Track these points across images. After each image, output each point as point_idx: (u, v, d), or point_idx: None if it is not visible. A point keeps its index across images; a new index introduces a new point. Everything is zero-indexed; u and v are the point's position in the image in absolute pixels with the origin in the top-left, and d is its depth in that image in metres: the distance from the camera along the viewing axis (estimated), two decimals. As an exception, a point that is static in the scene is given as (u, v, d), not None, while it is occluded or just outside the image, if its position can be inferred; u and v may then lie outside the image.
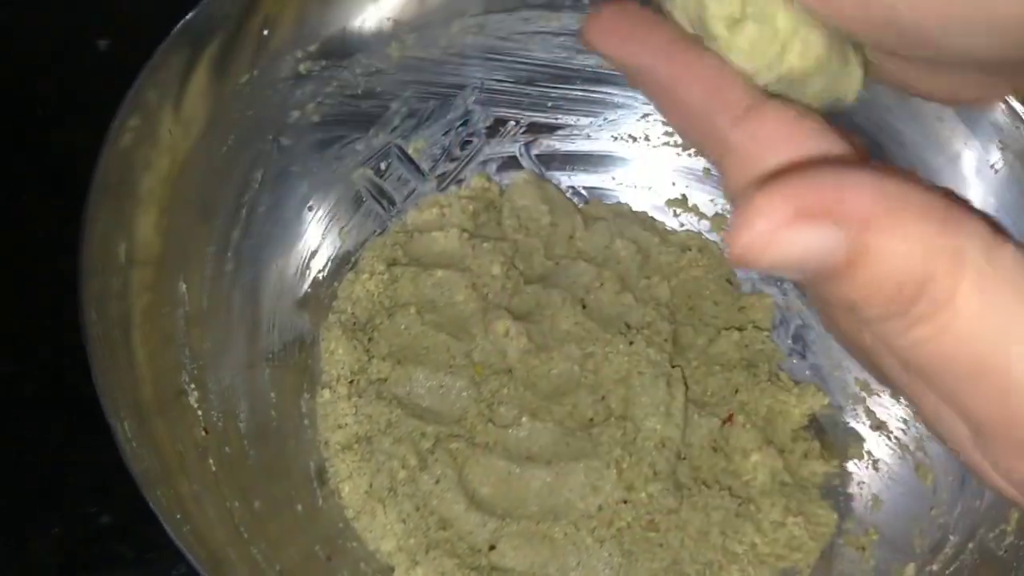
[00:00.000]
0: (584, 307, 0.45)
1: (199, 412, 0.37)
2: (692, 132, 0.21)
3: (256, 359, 0.41)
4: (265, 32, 0.40)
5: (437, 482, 0.40)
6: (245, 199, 0.42)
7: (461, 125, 0.48)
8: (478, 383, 0.43)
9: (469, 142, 0.49)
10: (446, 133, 0.48)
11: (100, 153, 0.33)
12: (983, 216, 0.17)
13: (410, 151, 0.47)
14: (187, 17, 0.36)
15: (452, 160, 0.49)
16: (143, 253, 0.35)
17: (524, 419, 0.42)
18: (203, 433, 0.36)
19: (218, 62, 0.38)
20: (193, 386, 0.37)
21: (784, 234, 0.16)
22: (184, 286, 0.38)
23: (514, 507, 0.41)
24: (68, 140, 0.52)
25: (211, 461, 0.36)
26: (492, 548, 0.40)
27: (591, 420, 0.42)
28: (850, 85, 0.23)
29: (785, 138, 0.19)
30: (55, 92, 0.53)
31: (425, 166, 0.48)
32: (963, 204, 0.17)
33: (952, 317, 0.17)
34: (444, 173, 0.48)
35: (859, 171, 0.17)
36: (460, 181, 0.49)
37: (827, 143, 0.19)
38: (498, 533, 0.40)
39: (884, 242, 0.16)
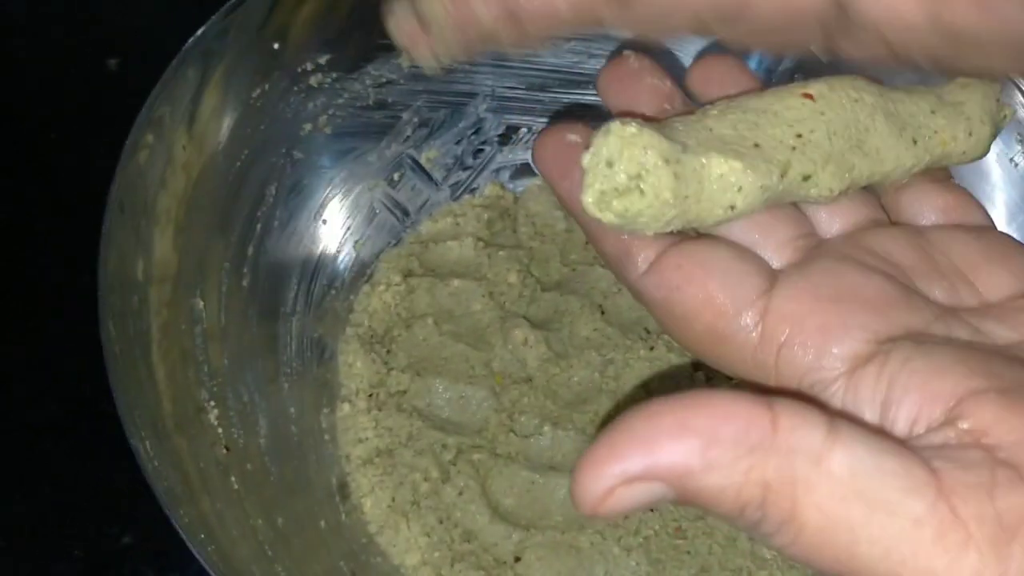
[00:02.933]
0: (603, 313, 0.45)
1: (219, 429, 0.36)
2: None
3: (275, 374, 0.41)
4: (276, 46, 0.40)
5: (460, 494, 0.40)
6: (259, 214, 0.42)
7: (473, 133, 0.48)
8: (498, 393, 0.43)
9: (482, 150, 0.48)
10: (458, 142, 0.48)
11: (115, 171, 0.33)
12: (818, 410, 0.18)
13: (423, 161, 0.47)
14: (198, 33, 0.36)
15: (465, 169, 0.48)
16: (160, 270, 0.34)
17: (546, 428, 0.42)
18: (224, 451, 0.36)
19: (230, 77, 0.38)
20: (213, 403, 0.37)
21: (614, 497, 0.17)
22: (201, 303, 0.38)
23: (539, 517, 0.40)
24: (80, 160, 0.52)
25: (233, 479, 0.36)
26: (518, 559, 0.39)
27: (613, 427, 0.42)
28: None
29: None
30: (66, 112, 0.53)
31: (438, 176, 0.48)
32: (793, 406, 0.18)
33: (799, 531, 0.17)
34: (457, 182, 0.48)
35: (672, 411, 0.18)
36: (474, 190, 0.49)
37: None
38: (523, 544, 0.39)
39: (705, 484, 0.17)
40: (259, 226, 0.42)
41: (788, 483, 0.17)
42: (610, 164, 0.21)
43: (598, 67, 0.47)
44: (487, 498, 0.40)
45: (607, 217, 0.22)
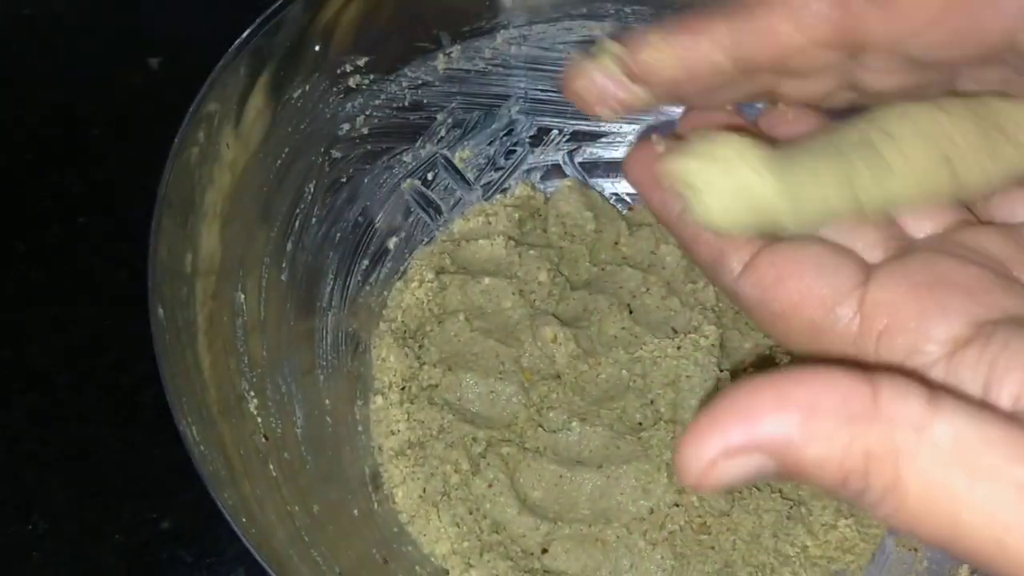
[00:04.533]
0: (630, 312, 0.46)
1: (259, 419, 0.37)
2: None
3: (311, 367, 0.42)
4: (317, 48, 0.41)
5: (490, 486, 0.41)
6: (298, 210, 0.43)
7: (505, 135, 0.49)
8: (527, 388, 0.44)
9: (513, 151, 0.49)
10: (491, 143, 0.49)
11: (164, 167, 0.34)
12: (919, 383, 0.18)
13: (456, 161, 0.48)
14: (247, 32, 0.37)
15: (497, 169, 0.49)
16: (206, 264, 0.36)
17: (574, 423, 0.42)
18: (263, 439, 0.37)
19: (275, 78, 0.39)
20: (252, 393, 0.38)
21: (717, 469, 0.18)
22: (242, 296, 0.39)
23: (566, 510, 0.41)
24: (121, 156, 0.54)
25: (271, 466, 0.37)
26: (545, 551, 0.40)
27: (640, 424, 0.43)
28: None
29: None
30: (109, 109, 0.55)
31: (471, 175, 0.49)
32: (894, 379, 0.18)
33: (902, 499, 0.18)
34: (489, 182, 0.49)
35: (773, 386, 0.18)
36: (505, 190, 0.50)
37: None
38: (550, 536, 0.40)
39: (807, 455, 0.18)
40: (297, 222, 0.43)
41: (890, 452, 0.17)
42: (716, 175, 0.22)
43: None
44: (516, 490, 0.41)
45: (723, 224, 0.22)
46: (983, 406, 0.19)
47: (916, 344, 0.22)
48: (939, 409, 0.18)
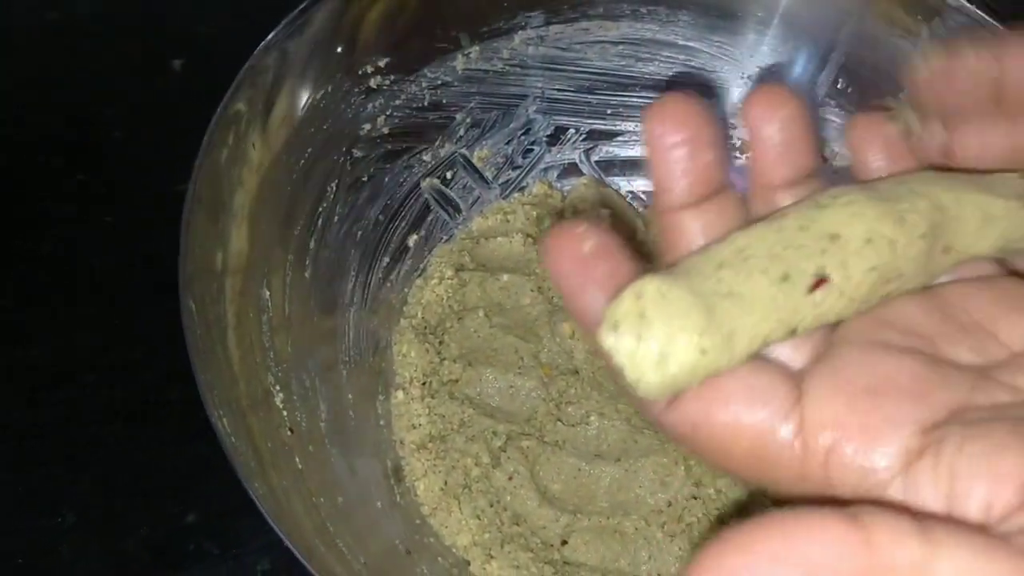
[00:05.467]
0: (648, 308, 0.46)
1: (284, 412, 0.38)
2: None
3: (334, 362, 0.43)
4: (340, 49, 0.42)
5: (510, 479, 0.42)
6: (321, 209, 0.43)
7: (523, 134, 0.50)
8: (546, 383, 0.44)
9: (531, 150, 0.50)
10: (509, 142, 0.50)
11: (194, 166, 0.35)
12: (907, 515, 0.18)
13: (474, 160, 0.49)
14: (271, 35, 0.37)
15: (515, 168, 0.50)
16: (235, 261, 0.36)
17: (592, 418, 0.43)
18: (289, 432, 0.38)
19: (299, 79, 0.39)
20: (278, 387, 0.39)
21: None
22: (267, 292, 0.40)
23: (585, 503, 0.42)
24: (144, 156, 0.55)
25: (297, 459, 0.37)
26: (564, 543, 0.41)
27: (658, 418, 0.43)
28: None
29: None
30: (133, 110, 0.56)
31: (489, 174, 0.50)
32: (882, 516, 0.17)
33: None
34: (507, 181, 0.50)
35: (765, 540, 0.17)
36: (523, 188, 0.50)
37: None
38: (570, 528, 0.41)
39: None
40: (320, 221, 0.43)
41: None
42: (639, 338, 0.21)
43: (644, 70, 0.49)
44: (535, 483, 0.42)
45: (662, 395, 0.21)
46: (975, 529, 0.18)
47: (868, 463, 0.20)
48: (937, 544, 0.17)
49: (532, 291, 0.46)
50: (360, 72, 0.43)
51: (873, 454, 0.20)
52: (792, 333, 0.22)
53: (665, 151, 0.23)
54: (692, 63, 0.48)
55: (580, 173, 0.51)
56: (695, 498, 0.41)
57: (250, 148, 0.37)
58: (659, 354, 0.20)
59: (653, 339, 0.20)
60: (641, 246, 0.49)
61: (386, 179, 0.46)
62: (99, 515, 0.45)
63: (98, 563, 0.44)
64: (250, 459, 0.32)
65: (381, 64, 0.44)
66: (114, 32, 0.59)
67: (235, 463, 0.30)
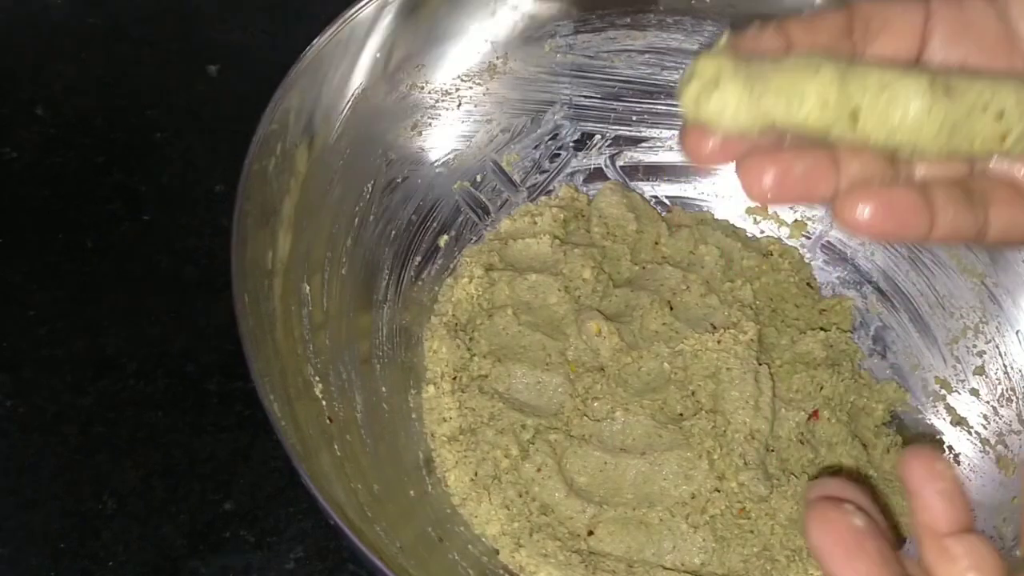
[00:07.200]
0: (671, 308, 0.48)
1: (323, 403, 0.40)
2: None
3: (368, 356, 0.45)
4: (378, 55, 0.43)
5: (538, 470, 0.43)
6: (357, 209, 0.45)
7: (551, 139, 0.51)
8: (573, 380, 0.46)
9: (558, 155, 0.52)
10: (537, 147, 0.51)
11: (243, 166, 0.37)
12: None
13: (504, 164, 0.51)
14: (315, 42, 0.39)
15: (542, 172, 0.52)
16: (281, 259, 0.38)
17: (617, 413, 0.44)
18: (328, 422, 0.39)
19: (340, 83, 0.41)
20: (317, 379, 0.40)
21: None
22: (307, 288, 0.41)
23: (611, 494, 0.43)
24: (184, 158, 0.57)
25: (336, 447, 0.39)
26: (591, 533, 0.42)
27: (681, 414, 0.45)
28: None
29: None
30: (171, 114, 0.58)
31: (517, 178, 0.51)
32: None
33: None
34: (535, 184, 0.52)
35: None
36: (550, 191, 0.52)
37: None
38: (596, 519, 0.42)
39: None
40: (356, 220, 0.45)
41: None
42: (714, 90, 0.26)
43: (669, 78, 0.50)
44: (563, 475, 0.43)
45: (730, 126, 0.25)
46: None
47: None
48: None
49: (559, 291, 0.48)
50: (396, 78, 0.45)
51: None
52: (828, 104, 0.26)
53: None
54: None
55: (605, 177, 0.52)
56: (718, 491, 0.42)
57: (295, 150, 0.39)
58: (720, 92, 0.25)
59: (717, 80, 0.25)
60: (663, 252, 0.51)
61: (419, 181, 0.48)
62: (140, 501, 0.46)
63: (137, 547, 0.45)
64: (297, 444, 0.34)
65: (417, 70, 0.45)
66: (152, 38, 0.61)
67: (287, 446, 0.32)
